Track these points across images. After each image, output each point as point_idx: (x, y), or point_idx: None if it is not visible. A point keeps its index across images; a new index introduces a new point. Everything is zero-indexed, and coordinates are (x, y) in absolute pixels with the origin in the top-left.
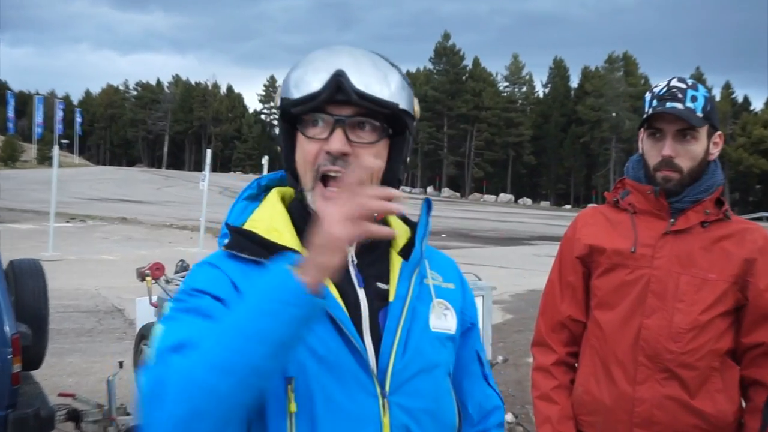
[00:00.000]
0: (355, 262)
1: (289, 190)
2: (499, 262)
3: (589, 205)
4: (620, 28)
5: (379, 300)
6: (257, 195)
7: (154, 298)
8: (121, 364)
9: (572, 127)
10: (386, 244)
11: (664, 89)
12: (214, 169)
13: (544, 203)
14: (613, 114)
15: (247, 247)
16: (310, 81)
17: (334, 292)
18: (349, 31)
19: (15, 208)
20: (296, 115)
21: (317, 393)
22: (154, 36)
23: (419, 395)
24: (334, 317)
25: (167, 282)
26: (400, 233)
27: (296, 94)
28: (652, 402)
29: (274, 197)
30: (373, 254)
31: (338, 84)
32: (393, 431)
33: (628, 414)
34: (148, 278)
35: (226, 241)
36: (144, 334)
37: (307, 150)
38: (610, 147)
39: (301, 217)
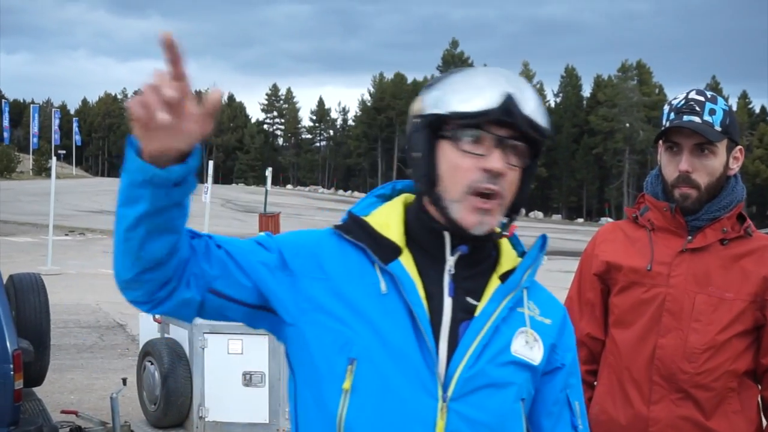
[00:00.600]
0: (452, 272)
1: (413, 197)
2: None
3: (603, 219)
4: (634, 35)
5: (464, 312)
6: (389, 196)
7: (158, 314)
8: (124, 381)
9: (584, 137)
10: (490, 266)
11: (682, 102)
12: (216, 180)
13: (556, 216)
14: (627, 124)
15: (354, 231)
16: (480, 98)
17: (422, 293)
18: (355, 38)
19: (11, 221)
20: (445, 126)
21: (376, 378)
22: (153, 42)
23: (483, 409)
24: (413, 312)
25: None
26: (508, 260)
27: (463, 108)
28: (666, 422)
29: (399, 201)
30: (473, 270)
31: (508, 106)
32: None
33: None
34: None
35: (340, 223)
36: (148, 351)
37: (459, 164)
38: (624, 159)
39: (417, 219)
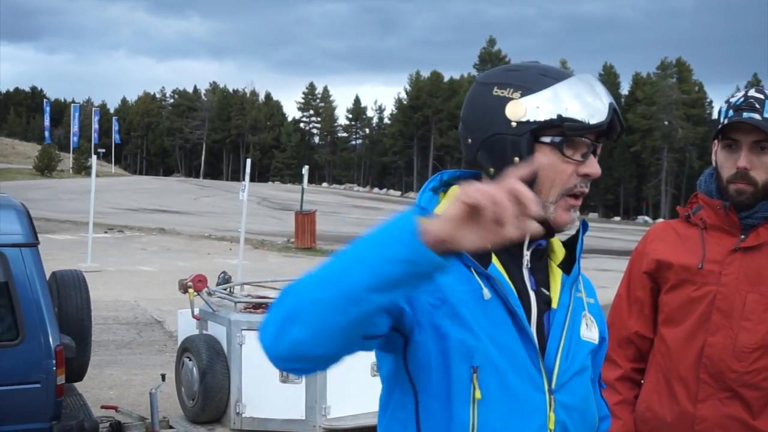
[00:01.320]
0: (529, 266)
1: None
2: None
3: (640, 217)
4: (674, 32)
5: (544, 304)
6: (438, 188)
7: (197, 311)
8: (163, 377)
9: (622, 135)
10: (547, 256)
11: (741, 99)
12: (253, 178)
13: (593, 215)
14: (666, 122)
15: None
16: (594, 111)
17: (513, 288)
18: (392, 37)
19: (53, 219)
20: (545, 132)
21: (498, 383)
22: (192, 42)
23: (575, 395)
24: (515, 313)
25: (209, 294)
26: (558, 247)
27: (580, 119)
28: (713, 421)
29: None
30: (540, 262)
31: (615, 118)
32: (556, 426)
33: None
34: (191, 290)
35: None
36: (186, 347)
37: (561, 169)
38: (662, 157)
39: None
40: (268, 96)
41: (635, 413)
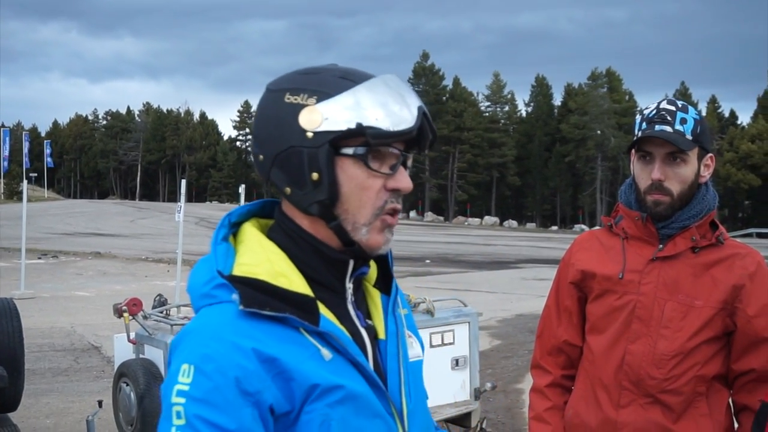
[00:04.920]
0: (353, 300)
1: (264, 222)
2: (485, 286)
3: (576, 226)
4: (608, 43)
5: (372, 338)
6: (228, 233)
7: (133, 335)
8: (100, 403)
9: (557, 146)
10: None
11: (654, 112)
12: (190, 199)
13: (530, 225)
14: (598, 132)
15: (266, 302)
16: (400, 116)
17: (349, 335)
18: (330, 53)
19: None
20: (346, 142)
21: None
22: (126, 62)
23: (421, 426)
24: (358, 363)
25: (145, 318)
26: (371, 264)
27: (384, 126)
28: (634, 426)
29: (257, 234)
30: (358, 292)
31: (424, 123)
32: None
33: None
34: (126, 314)
35: (235, 296)
36: (123, 372)
37: (368, 184)
38: (596, 165)
39: (302, 251)
40: (203, 115)
41: (565, 419)
